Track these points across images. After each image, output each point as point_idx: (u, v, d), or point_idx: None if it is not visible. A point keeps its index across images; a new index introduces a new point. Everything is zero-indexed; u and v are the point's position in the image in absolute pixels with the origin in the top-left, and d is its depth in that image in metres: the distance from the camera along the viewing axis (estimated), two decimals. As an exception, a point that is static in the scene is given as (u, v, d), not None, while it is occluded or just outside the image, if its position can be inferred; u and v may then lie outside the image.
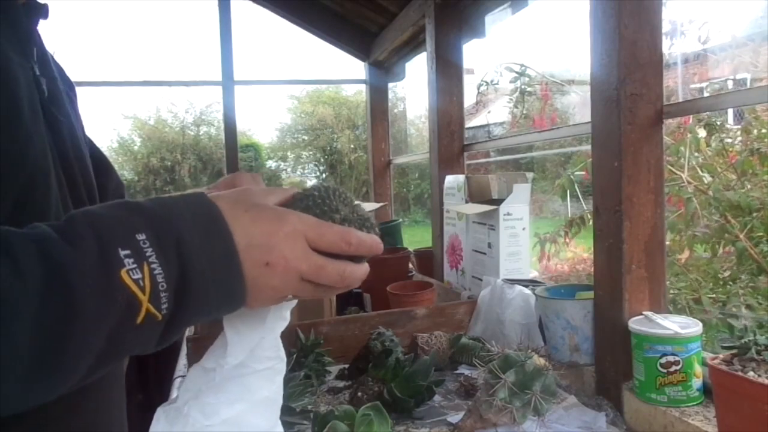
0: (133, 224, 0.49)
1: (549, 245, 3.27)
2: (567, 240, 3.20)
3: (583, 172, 3.09)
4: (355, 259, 0.58)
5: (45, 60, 0.72)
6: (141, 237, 0.48)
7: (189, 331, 1.57)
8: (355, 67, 3.69)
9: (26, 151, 0.60)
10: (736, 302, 2.19)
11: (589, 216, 2.79)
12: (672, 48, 2.76)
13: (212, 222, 0.52)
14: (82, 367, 0.47)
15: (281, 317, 0.62)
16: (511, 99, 4.28)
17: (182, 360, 1.58)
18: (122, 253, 0.47)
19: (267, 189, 0.61)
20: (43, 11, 0.70)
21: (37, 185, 0.61)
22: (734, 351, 0.96)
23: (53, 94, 0.70)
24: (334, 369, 1.53)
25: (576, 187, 3.25)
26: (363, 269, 0.59)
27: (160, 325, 0.49)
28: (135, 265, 0.47)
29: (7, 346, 0.43)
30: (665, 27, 1.26)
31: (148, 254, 0.48)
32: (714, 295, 2.33)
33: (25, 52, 0.65)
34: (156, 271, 0.48)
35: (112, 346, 0.48)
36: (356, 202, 0.63)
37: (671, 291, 2.37)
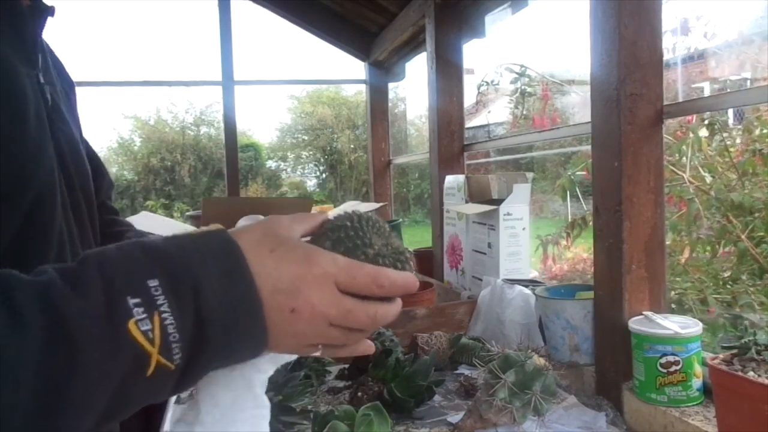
0: (147, 269, 0.46)
1: (552, 247, 3.26)
2: (568, 243, 3.20)
3: (584, 172, 3.09)
4: (386, 298, 0.55)
5: (47, 64, 0.71)
6: (153, 284, 0.46)
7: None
8: (355, 67, 3.69)
9: (35, 169, 0.59)
10: (747, 299, 2.18)
11: (590, 217, 2.79)
12: (678, 44, 2.75)
13: (233, 267, 0.49)
14: (87, 423, 0.45)
15: (258, 371, 0.59)
16: (512, 99, 4.28)
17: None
18: (131, 302, 0.45)
19: (294, 217, 0.57)
20: (49, 12, 0.68)
21: (44, 202, 0.60)
22: (734, 351, 0.96)
23: (54, 102, 0.69)
24: (334, 369, 1.53)
25: (576, 187, 3.25)
26: (395, 308, 0.57)
27: (174, 374, 0.47)
28: (145, 315, 0.45)
29: (5, 402, 0.40)
30: (673, 24, 1.26)
31: (159, 302, 0.45)
32: (719, 296, 2.33)
33: (30, 59, 0.64)
34: (167, 321, 0.45)
35: (120, 400, 0.46)
36: (389, 230, 0.59)
37: (676, 291, 2.37)
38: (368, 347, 0.59)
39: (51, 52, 0.77)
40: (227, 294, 0.48)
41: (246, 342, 0.50)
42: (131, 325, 0.44)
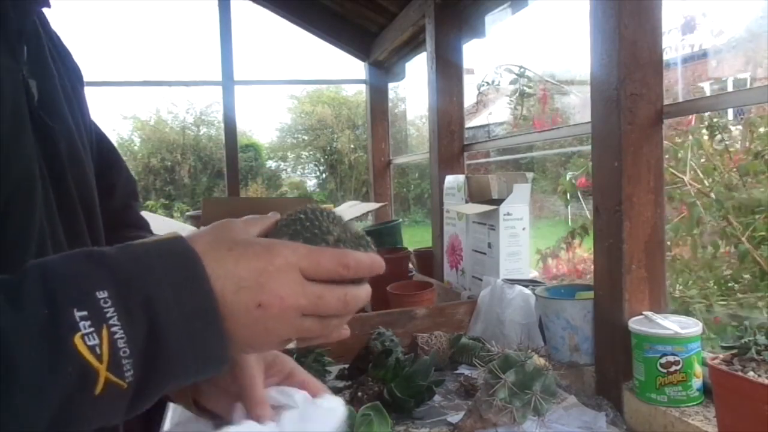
0: (94, 280, 0.43)
1: (552, 261, 3.24)
2: (569, 254, 3.18)
3: (582, 179, 3.07)
4: (355, 281, 0.53)
5: (39, 55, 0.66)
6: (102, 295, 0.43)
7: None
8: (355, 67, 3.69)
9: (8, 165, 0.55)
10: (756, 313, 2.18)
11: (589, 224, 2.78)
12: (684, 42, 2.74)
13: (190, 274, 0.46)
14: None
15: (330, 410, 0.60)
16: (511, 100, 4.28)
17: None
18: (78, 314, 0.42)
19: (247, 220, 0.55)
20: (38, 1, 0.65)
21: (18, 200, 0.57)
22: (734, 351, 0.96)
23: (47, 96, 0.65)
24: (334, 369, 1.53)
25: (577, 189, 3.24)
26: (365, 291, 0.55)
27: (127, 393, 0.44)
28: (92, 329, 0.42)
29: None
30: (678, 22, 1.26)
31: (108, 315, 0.43)
32: (725, 302, 2.33)
33: (13, 51, 0.60)
34: (117, 335, 0.42)
35: (64, 419, 0.42)
36: (345, 220, 0.58)
37: (683, 298, 2.36)
38: (343, 333, 0.56)
39: (56, 43, 0.72)
40: (183, 304, 0.45)
41: (206, 355, 0.47)
42: (77, 339, 0.41)
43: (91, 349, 0.42)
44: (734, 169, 2.48)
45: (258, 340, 0.50)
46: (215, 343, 0.47)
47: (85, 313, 0.42)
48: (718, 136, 2.51)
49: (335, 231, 0.55)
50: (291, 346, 0.54)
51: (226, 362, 0.48)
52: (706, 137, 2.50)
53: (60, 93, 0.67)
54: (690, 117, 2.38)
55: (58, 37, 0.74)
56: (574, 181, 3.12)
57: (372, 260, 0.54)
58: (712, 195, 2.42)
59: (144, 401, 0.46)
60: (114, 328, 0.42)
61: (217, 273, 0.47)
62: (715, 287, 2.41)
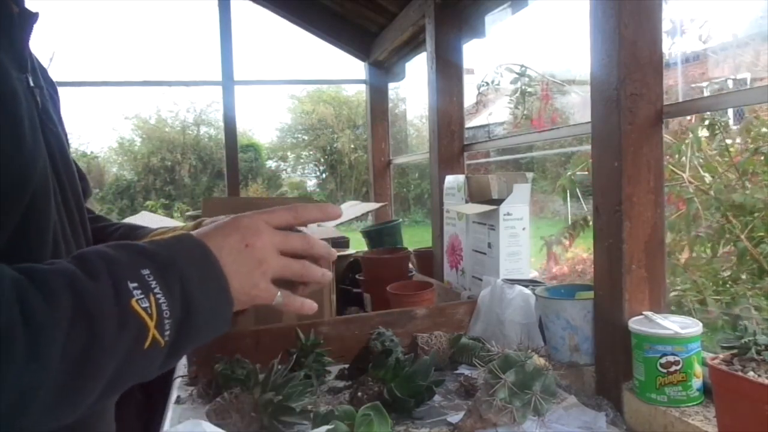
0: (138, 262, 0.56)
1: (556, 247, 3.26)
2: (571, 243, 3.20)
3: (586, 172, 3.09)
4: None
5: (35, 68, 0.73)
6: (146, 272, 0.55)
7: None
8: (355, 67, 3.69)
9: (32, 170, 0.62)
10: (744, 303, 2.18)
11: (590, 217, 2.78)
12: (672, 47, 2.75)
13: (206, 260, 0.60)
14: (97, 391, 0.52)
15: None
16: (512, 100, 4.28)
17: (182, 360, 1.58)
18: (131, 285, 0.54)
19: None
20: (35, 18, 0.70)
21: (39, 200, 0.63)
22: (734, 351, 0.96)
23: (44, 104, 0.71)
24: (334, 369, 1.53)
25: (576, 187, 3.24)
26: (324, 243, 0.69)
27: (163, 351, 0.55)
28: (143, 296, 0.54)
29: (44, 368, 0.47)
30: (666, 26, 1.26)
31: (152, 286, 0.55)
32: (719, 297, 2.33)
33: (21, 63, 0.66)
34: (161, 300, 0.54)
35: (123, 370, 0.53)
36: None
37: (675, 292, 2.37)
38: (324, 275, 0.70)
39: (35, 56, 0.78)
40: (205, 283, 0.59)
41: (220, 321, 0.60)
42: (134, 302, 0.53)
43: (145, 309, 0.53)
44: (733, 167, 2.48)
45: (254, 276, 0.63)
46: (226, 306, 0.61)
47: (136, 284, 0.54)
48: (719, 136, 2.51)
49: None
50: (278, 298, 0.66)
51: (230, 324, 0.62)
52: (704, 136, 2.51)
53: (49, 101, 0.74)
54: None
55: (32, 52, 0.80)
56: (573, 177, 3.13)
57: (318, 207, 0.70)
58: (711, 192, 2.42)
59: (172, 360, 0.58)
60: (158, 295, 0.55)
61: (218, 245, 0.62)
62: (710, 284, 2.42)
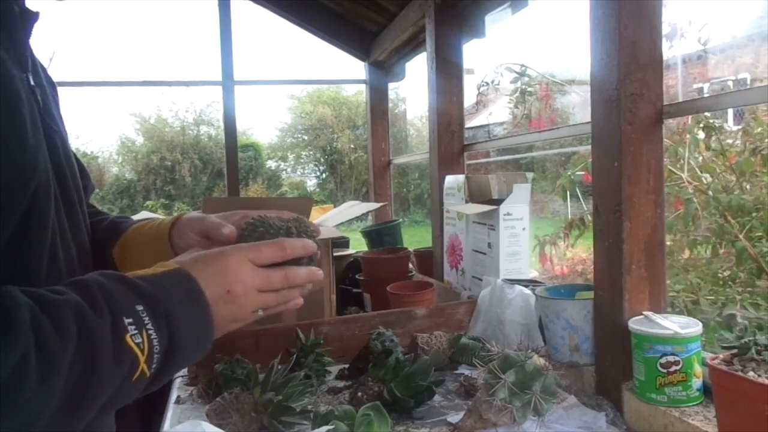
0: (132, 297, 0.58)
1: (549, 247, 3.26)
2: (567, 243, 3.20)
3: (583, 173, 3.09)
4: (299, 262, 0.72)
5: (36, 67, 0.74)
6: (139, 308, 0.58)
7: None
8: (355, 67, 3.68)
9: (33, 167, 0.63)
10: (733, 307, 2.19)
11: (588, 217, 2.79)
12: (671, 50, 2.75)
13: (191, 294, 0.63)
14: (87, 418, 0.55)
15: None
16: (512, 99, 4.27)
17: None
18: (126, 321, 0.56)
19: (218, 217, 0.82)
20: (36, 17, 0.71)
21: (40, 200, 0.64)
22: (734, 351, 0.96)
23: (45, 102, 0.71)
24: (334, 369, 1.53)
25: (576, 187, 3.25)
26: (306, 269, 0.72)
27: (147, 381, 0.59)
28: (136, 331, 0.56)
29: (50, 396, 0.50)
30: (664, 29, 1.26)
31: (146, 322, 0.57)
32: (713, 297, 2.33)
33: (21, 62, 0.67)
34: (152, 336, 0.57)
35: (112, 399, 0.56)
36: (298, 217, 0.78)
37: (669, 293, 2.37)
38: (298, 302, 0.74)
39: (35, 56, 0.79)
40: (190, 316, 0.62)
41: (202, 347, 0.64)
42: (128, 338, 0.56)
43: (137, 345, 0.56)
44: (731, 167, 2.48)
45: (237, 317, 0.68)
46: (208, 338, 0.64)
47: (131, 320, 0.57)
48: (714, 137, 2.51)
49: (283, 227, 0.74)
50: (260, 315, 0.71)
51: (209, 349, 0.65)
52: (701, 138, 2.51)
53: (50, 99, 0.75)
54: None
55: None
56: (573, 177, 3.13)
57: (303, 243, 0.72)
58: (710, 192, 2.42)
59: (153, 387, 0.61)
60: (150, 331, 0.58)
61: (205, 289, 0.64)
62: (704, 283, 2.42)
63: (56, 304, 0.53)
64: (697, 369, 1.11)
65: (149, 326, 0.57)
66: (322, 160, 16.39)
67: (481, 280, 1.85)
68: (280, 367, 1.23)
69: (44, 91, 0.73)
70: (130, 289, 0.59)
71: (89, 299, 0.55)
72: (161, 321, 0.58)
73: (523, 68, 4.03)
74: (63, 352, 0.51)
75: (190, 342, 0.61)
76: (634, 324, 1.17)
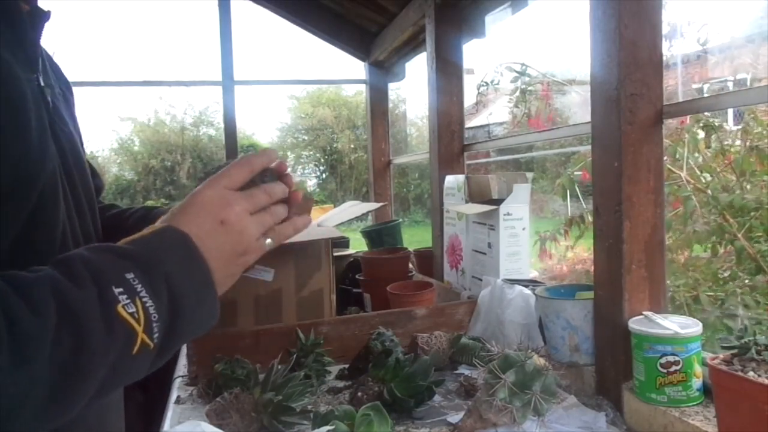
0: (121, 266, 0.55)
1: (550, 243, 3.27)
2: (567, 241, 3.21)
3: (581, 172, 3.09)
4: (266, 180, 0.70)
5: (46, 67, 0.73)
6: (130, 276, 0.54)
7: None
8: (355, 67, 3.68)
9: (39, 170, 0.63)
10: (734, 302, 2.19)
11: (588, 215, 2.79)
12: (671, 50, 2.75)
13: (189, 254, 0.60)
14: (89, 394, 0.52)
15: None
16: (512, 99, 4.27)
17: (182, 360, 1.58)
18: (116, 290, 0.53)
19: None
20: (46, 17, 0.71)
21: (47, 200, 0.64)
22: (734, 351, 0.96)
23: (55, 104, 0.71)
24: (334, 369, 1.53)
25: (576, 186, 3.25)
26: (278, 186, 0.70)
27: (153, 353, 0.55)
28: (128, 300, 0.53)
29: (30, 376, 0.47)
30: (664, 29, 1.26)
31: (138, 290, 0.54)
32: (712, 293, 2.33)
33: (30, 63, 0.67)
34: (148, 304, 0.54)
35: (114, 374, 0.53)
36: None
37: (669, 288, 2.37)
38: (305, 221, 0.72)
39: (48, 56, 0.78)
40: (190, 275, 0.59)
41: (208, 312, 0.60)
42: (120, 308, 0.53)
43: (132, 315, 0.53)
44: (730, 165, 2.48)
45: (242, 247, 0.64)
46: (213, 303, 0.61)
47: (121, 289, 0.53)
48: (714, 136, 2.51)
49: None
50: (270, 245, 0.69)
51: (217, 317, 0.62)
52: (701, 138, 2.51)
53: (61, 100, 0.73)
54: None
55: (47, 51, 0.80)
56: (573, 176, 3.13)
57: (263, 152, 0.70)
58: (709, 191, 2.42)
59: (162, 359, 0.58)
60: (145, 299, 0.54)
61: (194, 233, 0.61)
62: (704, 280, 2.42)
63: (28, 281, 0.50)
64: (697, 369, 1.11)
65: (143, 294, 0.54)
66: (322, 160, 16.39)
67: (481, 280, 1.85)
68: (280, 367, 1.23)
69: (54, 92, 0.73)
70: (119, 257, 0.56)
71: (68, 272, 0.52)
72: (159, 286, 0.55)
73: (524, 67, 4.02)
74: (41, 330, 0.48)
75: (193, 306, 0.58)
76: (634, 324, 1.17)
